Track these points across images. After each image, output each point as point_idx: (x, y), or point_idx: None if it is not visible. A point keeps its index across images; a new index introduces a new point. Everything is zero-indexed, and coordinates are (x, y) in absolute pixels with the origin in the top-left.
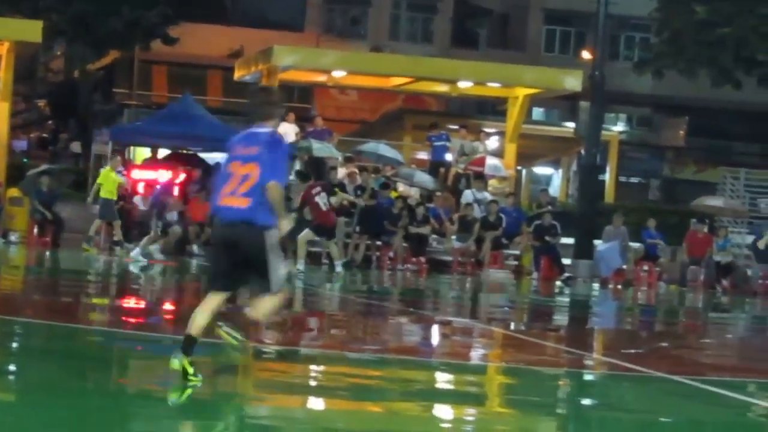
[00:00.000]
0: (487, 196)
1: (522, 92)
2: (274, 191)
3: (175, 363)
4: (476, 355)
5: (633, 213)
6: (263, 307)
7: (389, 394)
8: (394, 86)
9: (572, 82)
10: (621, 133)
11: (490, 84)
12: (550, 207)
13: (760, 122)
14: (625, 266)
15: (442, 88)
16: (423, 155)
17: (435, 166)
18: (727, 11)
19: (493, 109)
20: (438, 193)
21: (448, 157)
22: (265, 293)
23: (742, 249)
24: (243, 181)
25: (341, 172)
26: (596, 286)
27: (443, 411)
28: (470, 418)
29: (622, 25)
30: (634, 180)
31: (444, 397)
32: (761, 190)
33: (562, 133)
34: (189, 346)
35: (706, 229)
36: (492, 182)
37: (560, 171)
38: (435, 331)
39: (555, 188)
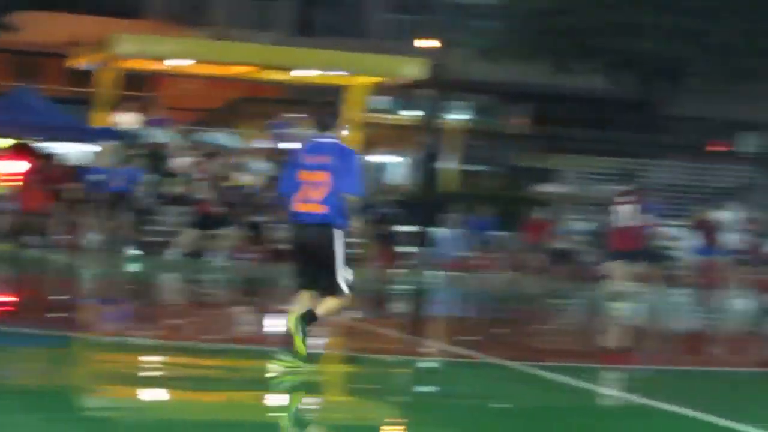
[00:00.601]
0: None
1: (363, 80)
2: (353, 202)
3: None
4: (314, 343)
5: (476, 201)
6: (327, 305)
7: (227, 384)
8: (236, 74)
9: (414, 70)
10: (462, 121)
11: (331, 72)
12: (389, 195)
13: (601, 109)
14: (464, 253)
15: (285, 76)
16: (263, 143)
17: (276, 154)
18: (567, 0)
19: (335, 97)
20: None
21: (290, 145)
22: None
23: (581, 235)
24: (314, 189)
25: (186, 161)
26: (437, 273)
27: (282, 400)
28: (309, 407)
29: (464, 13)
30: (476, 168)
31: (283, 386)
32: (600, 176)
33: (405, 122)
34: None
35: (546, 216)
36: None
37: (403, 159)
38: (272, 320)
39: (397, 176)
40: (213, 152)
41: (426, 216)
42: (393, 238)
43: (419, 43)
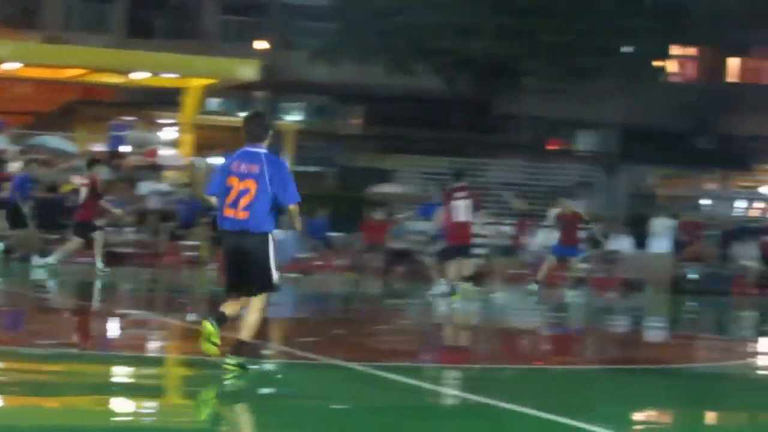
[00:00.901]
0: (164, 187)
1: (198, 82)
2: (294, 212)
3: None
4: (154, 347)
5: (310, 201)
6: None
7: (65, 388)
8: (69, 78)
9: (248, 71)
10: (298, 122)
11: (165, 74)
12: None
13: (434, 109)
14: (302, 255)
15: (118, 79)
16: (98, 147)
17: (111, 156)
18: (403, 1)
19: (170, 99)
20: (118, 185)
21: (125, 148)
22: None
23: (417, 235)
24: (242, 196)
25: (17, 165)
26: None
27: (120, 404)
28: (147, 411)
29: (298, 15)
30: (311, 169)
31: (121, 390)
32: (436, 176)
33: (240, 123)
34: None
35: (382, 216)
36: (169, 173)
37: None
38: (112, 325)
39: None
40: (45, 156)
41: None
42: None
43: (255, 44)
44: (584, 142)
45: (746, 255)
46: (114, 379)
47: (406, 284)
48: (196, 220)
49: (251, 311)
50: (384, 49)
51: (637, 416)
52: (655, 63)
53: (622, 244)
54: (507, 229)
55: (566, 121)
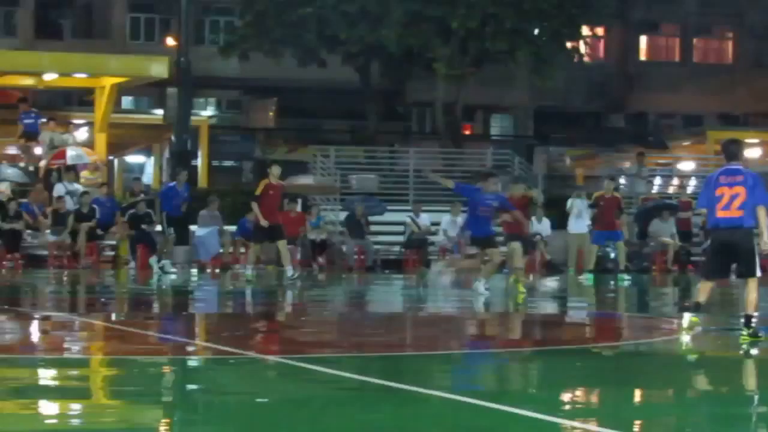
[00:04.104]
0: (79, 187)
1: (108, 81)
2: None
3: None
4: (77, 348)
5: (227, 196)
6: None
7: None
8: None
9: (158, 68)
10: (211, 117)
11: (75, 75)
12: (143, 195)
13: (347, 100)
14: (222, 250)
15: (28, 81)
16: (12, 150)
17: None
18: None
19: (81, 99)
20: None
21: (38, 150)
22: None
23: (335, 226)
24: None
25: None
26: (195, 271)
27: (46, 407)
28: (74, 413)
29: (206, 10)
30: (226, 163)
31: (46, 393)
32: (351, 166)
33: (152, 121)
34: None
35: (299, 208)
36: (84, 173)
37: (152, 158)
38: (34, 327)
39: (148, 176)
40: None
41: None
42: (150, 239)
43: (165, 41)
44: (499, 125)
45: (664, 232)
46: (36, 382)
47: (328, 275)
48: (115, 219)
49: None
50: (294, 41)
51: (563, 397)
52: (566, 44)
53: (540, 225)
54: (426, 217)
55: (480, 106)
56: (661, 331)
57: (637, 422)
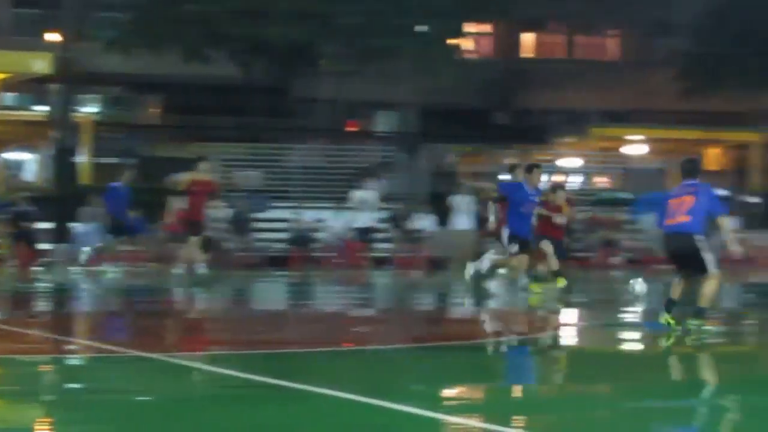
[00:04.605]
0: None
1: None
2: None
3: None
4: None
5: None
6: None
7: None
8: None
9: (41, 64)
10: (95, 114)
11: None
12: (25, 192)
13: (232, 96)
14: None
15: None
16: None
17: None
18: None
19: None
20: None
21: None
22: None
23: (220, 223)
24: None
25: None
26: (76, 269)
27: None
28: None
29: (90, 5)
30: (111, 160)
31: None
32: (237, 163)
33: (35, 117)
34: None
35: (184, 206)
36: None
37: (35, 155)
38: None
39: (30, 173)
40: None
41: (63, 212)
42: (31, 236)
43: (48, 36)
44: (384, 122)
45: None
46: None
47: (211, 272)
48: None
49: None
50: (178, 37)
51: (446, 393)
52: (450, 41)
53: (424, 222)
54: (311, 214)
55: (365, 103)
56: (543, 325)
57: (520, 418)
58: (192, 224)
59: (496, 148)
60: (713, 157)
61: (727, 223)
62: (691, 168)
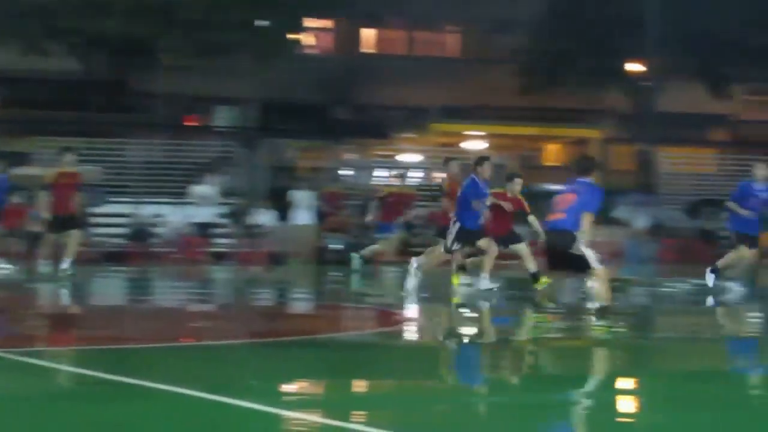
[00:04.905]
0: None
1: None
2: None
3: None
4: None
5: None
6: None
7: None
8: None
9: None
10: None
11: None
12: None
13: (70, 90)
14: None
15: None
16: None
17: None
18: None
19: None
20: None
21: None
22: None
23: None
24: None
25: None
26: None
27: None
28: None
29: None
30: None
31: None
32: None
33: None
34: None
35: (21, 200)
36: None
37: None
38: None
39: None
40: None
41: None
42: None
43: None
44: (223, 117)
45: None
46: None
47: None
48: None
49: None
50: (16, 31)
51: (287, 388)
52: (290, 36)
53: (264, 217)
54: (150, 209)
55: (204, 97)
56: (383, 321)
57: (361, 413)
58: (60, 219)
59: (336, 143)
60: (553, 153)
61: (588, 221)
62: (583, 166)
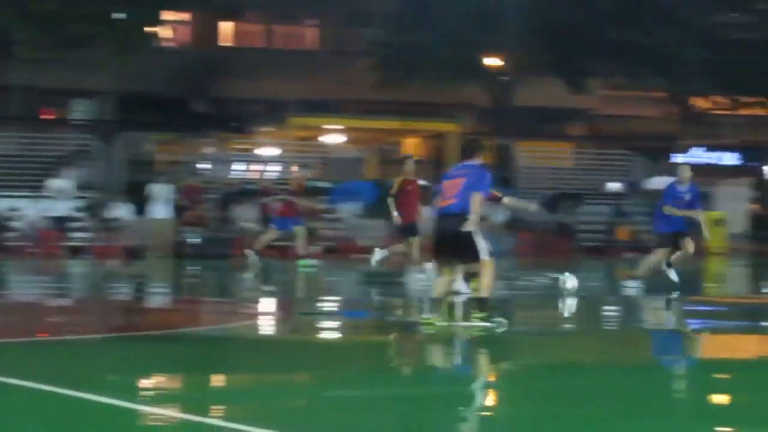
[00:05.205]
0: None
1: None
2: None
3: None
4: None
5: None
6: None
7: None
8: None
9: None
10: None
11: None
12: None
13: None
14: None
15: None
16: None
17: None
18: None
19: None
20: None
21: None
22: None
23: None
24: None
25: None
26: None
27: None
28: None
29: None
30: None
31: None
32: None
33: None
34: None
35: None
36: None
37: None
38: None
39: None
40: None
41: None
42: None
43: None
44: (80, 110)
45: (245, 217)
46: None
47: None
48: None
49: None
50: None
51: (144, 383)
52: (148, 29)
53: (121, 211)
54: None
55: (61, 90)
56: (241, 315)
57: (218, 407)
58: None
59: (195, 136)
60: (412, 147)
61: (478, 201)
62: (470, 149)
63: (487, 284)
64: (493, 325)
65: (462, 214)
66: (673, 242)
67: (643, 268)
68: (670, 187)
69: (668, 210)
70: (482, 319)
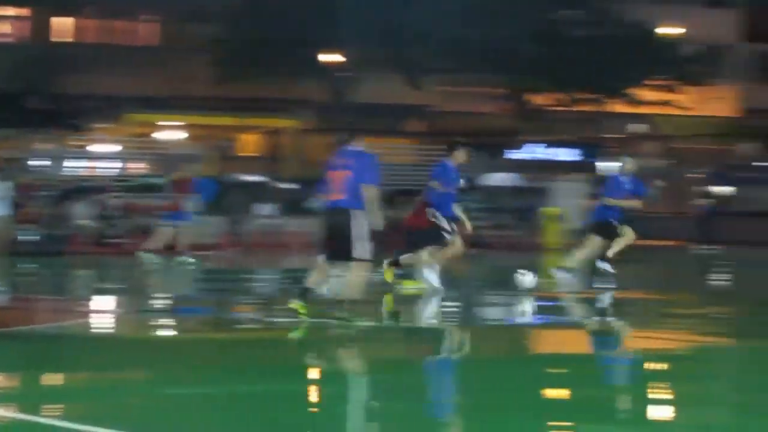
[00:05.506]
0: None
1: None
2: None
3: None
4: None
5: None
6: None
7: None
8: None
9: None
10: None
11: None
12: None
13: None
14: None
15: None
16: None
17: None
18: None
19: None
20: None
21: None
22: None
23: None
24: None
25: None
26: None
27: None
28: None
29: None
30: None
31: None
32: None
33: None
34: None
35: None
36: None
37: None
38: None
39: None
40: None
41: None
42: None
43: None
44: None
45: (82, 214)
46: None
47: None
48: None
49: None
50: None
51: None
52: None
53: None
54: None
55: None
56: (75, 313)
57: (54, 407)
58: None
59: (30, 133)
60: (249, 144)
61: (372, 193)
62: (347, 135)
63: (355, 285)
64: (344, 321)
65: (349, 209)
66: (606, 233)
67: (576, 258)
68: (614, 179)
69: (611, 201)
70: (337, 318)
